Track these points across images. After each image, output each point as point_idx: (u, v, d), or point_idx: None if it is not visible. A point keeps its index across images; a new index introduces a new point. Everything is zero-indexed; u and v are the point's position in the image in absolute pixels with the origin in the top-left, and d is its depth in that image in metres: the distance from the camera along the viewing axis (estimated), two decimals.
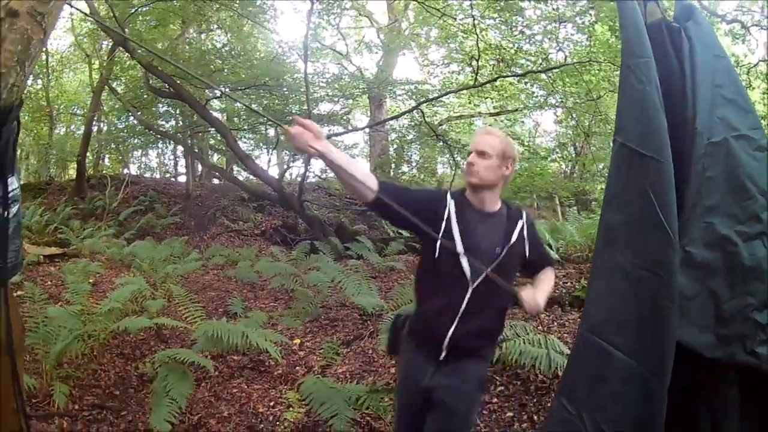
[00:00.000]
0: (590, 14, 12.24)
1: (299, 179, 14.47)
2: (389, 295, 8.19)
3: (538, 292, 3.11)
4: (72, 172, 22.29)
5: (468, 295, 2.99)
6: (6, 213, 1.91)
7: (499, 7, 12.28)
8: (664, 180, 1.92)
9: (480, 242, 3.04)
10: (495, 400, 5.58)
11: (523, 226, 3.15)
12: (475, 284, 2.97)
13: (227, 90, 15.47)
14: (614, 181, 2.14)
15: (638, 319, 1.94)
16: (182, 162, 26.01)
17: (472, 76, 13.65)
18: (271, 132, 19.52)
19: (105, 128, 22.27)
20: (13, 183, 1.95)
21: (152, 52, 14.21)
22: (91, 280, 8.65)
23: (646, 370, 1.88)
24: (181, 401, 5.09)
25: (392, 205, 2.80)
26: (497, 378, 5.88)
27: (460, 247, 2.98)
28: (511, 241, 3.09)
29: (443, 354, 3.05)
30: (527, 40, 13.43)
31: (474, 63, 12.60)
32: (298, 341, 7.17)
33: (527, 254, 3.19)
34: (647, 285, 1.92)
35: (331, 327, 7.73)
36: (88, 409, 5.43)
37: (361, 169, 2.86)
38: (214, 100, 17.94)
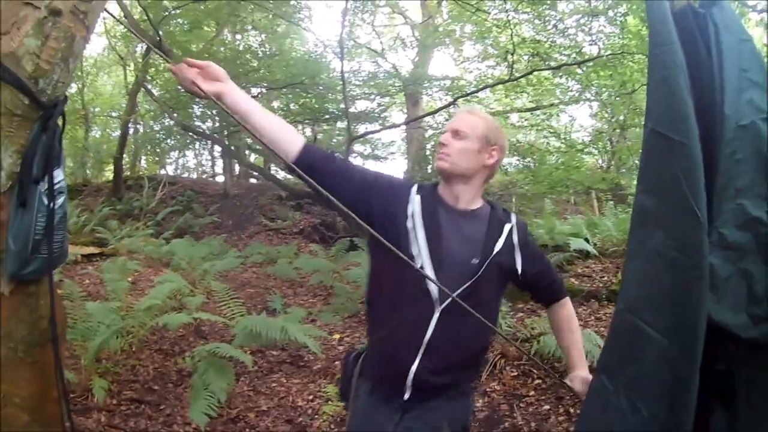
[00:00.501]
0: (621, 6, 12.09)
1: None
2: None
3: (580, 365, 2.64)
4: (108, 174, 22.64)
5: (434, 320, 2.35)
6: (52, 204, 1.94)
7: (532, 2, 12.19)
8: (692, 163, 1.90)
9: (452, 250, 2.41)
10: (532, 393, 5.61)
11: (511, 230, 2.52)
12: (443, 305, 2.34)
13: (264, 90, 15.56)
14: (645, 165, 2.10)
15: (670, 299, 1.89)
16: (219, 162, 26.41)
17: (507, 72, 13.58)
18: (308, 131, 19.54)
19: (141, 130, 22.54)
20: (59, 175, 1.98)
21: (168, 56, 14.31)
22: (129, 278, 8.71)
23: (677, 349, 1.85)
24: (221, 395, 5.12)
25: (308, 177, 2.23)
26: (534, 371, 5.92)
27: (425, 256, 2.37)
28: (495, 250, 2.44)
29: (407, 393, 2.39)
30: (560, 34, 13.29)
31: (509, 57, 12.51)
32: (337, 336, 7.19)
33: (519, 269, 2.54)
34: (679, 266, 1.89)
35: (364, 324, 7.68)
36: (126, 403, 5.47)
37: (278, 123, 2.35)
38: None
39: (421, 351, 2.34)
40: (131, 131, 20.95)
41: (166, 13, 14.14)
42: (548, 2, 12.26)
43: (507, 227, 2.50)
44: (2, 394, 1.97)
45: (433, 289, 2.33)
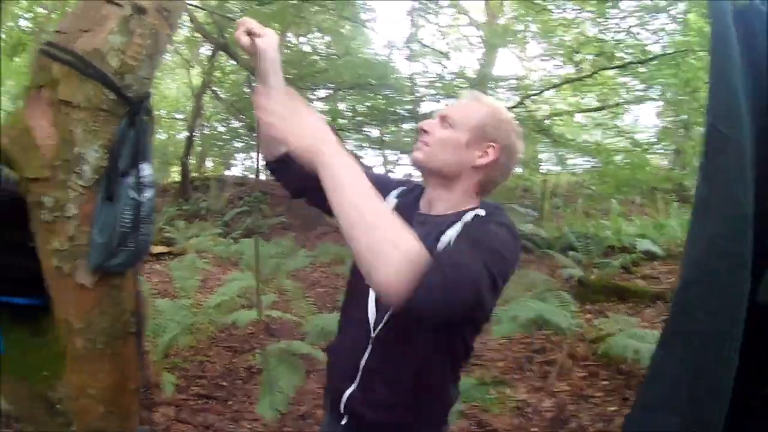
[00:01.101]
0: (682, 3, 11.88)
1: (404, 177, 14.38)
2: None
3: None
4: (175, 175, 23.00)
5: (369, 346, 1.95)
6: (139, 196, 1.97)
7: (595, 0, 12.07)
8: (742, 158, 1.92)
9: None
10: (598, 394, 5.52)
11: (457, 230, 1.84)
12: (376, 331, 1.92)
13: (331, 91, 15.68)
14: (704, 157, 2.07)
15: (718, 283, 1.90)
16: None
17: (573, 71, 13.47)
18: (376, 132, 19.61)
19: (207, 132, 22.87)
20: (147, 169, 2.00)
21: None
22: (198, 276, 8.83)
23: (721, 330, 1.88)
24: (290, 391, 5.11)
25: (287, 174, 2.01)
26: (601, 372, 5.85)
27: None
28: None
29: (344, 420, 2.01)
30: (624, 33, 13.12)
31: (575, 56, 12.40)
32: None
33: None
34: (725, 254, 1.91)
35: None
36: (194, 398, 5.54)
37: None
38: (317, 102, 18.07)
39: (357, 378, 1.97)
40: (197, 133, 21.28)
41: (231, 16, 14.36)
42: (611, 1, 12.14)
43: (454, 228, 1.84)
44: (79, 385, 2.04)
45: (372, 311, 1.95)
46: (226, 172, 24.21)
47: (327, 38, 18.06)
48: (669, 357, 2.00)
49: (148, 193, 2.02)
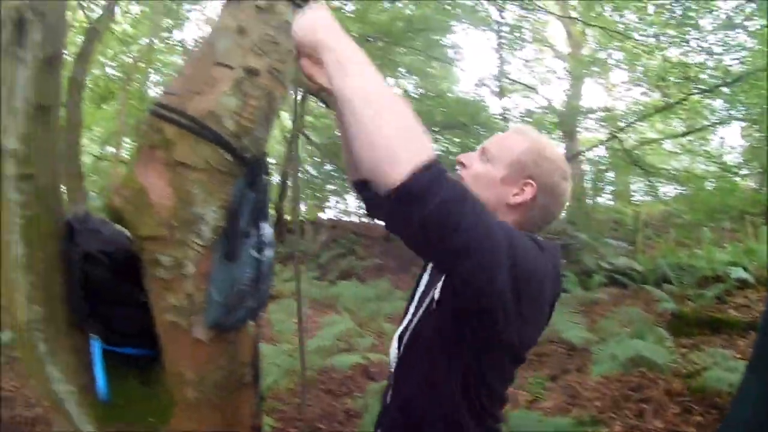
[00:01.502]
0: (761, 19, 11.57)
1: None
2: (594, 328, 7.95)
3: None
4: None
5: (392, 382, 2.02)
6: (259, 256, 2.01)
7: (675, 23, 11.87)
8: None
9: (413, 301, 2.06)
10: (691, 430, 5.47)
11: None
12: (394, 366, 2.00)
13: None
14: None
15: None
16: None
17: (659, 98, 13.23)
18: None
19: (301, 175, 23.19)
20: (266, 228, 2.06)
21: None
22: (295, 319, 8.92)
23: None
24: None
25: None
26: (694, 407, 5.75)
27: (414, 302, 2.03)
28: (434, 295, 1.87)
29: None
30: (704, 53, 12.85)
31: (661, 83, 12.19)
32: None
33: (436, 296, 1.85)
34: None
35: (539, 362, 7.61)
36: None
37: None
38: None
39: (384, 414, 2.05)
40: (290, 177, 21.63)
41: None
42: (692, 22, 11.91)
43: None
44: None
45: (394, 349, 2.01)
46: (321, 215, 24.50)
47: (416, 78, 18.20)
48: (756, 379, 1.98)
49: (268, 252, 2.06)
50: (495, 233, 1.45)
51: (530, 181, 1.84)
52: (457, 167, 1.94)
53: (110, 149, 25.36)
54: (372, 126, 1.40)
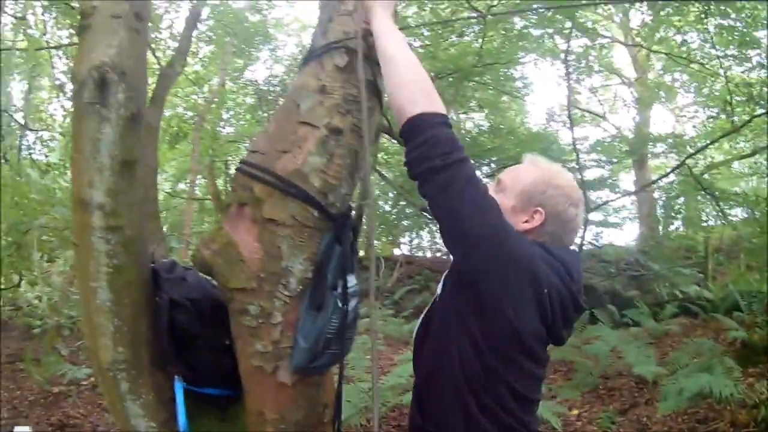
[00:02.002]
0: None
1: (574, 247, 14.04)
2: (665, 361, 7.79)
3: None
4: None
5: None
6: (345, 306, 2.07)
7: (737, 43, 11.64)
8: None
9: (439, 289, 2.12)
10: None
11: None
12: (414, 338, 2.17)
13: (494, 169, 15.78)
14: None
15: None
16: None
17: (726, 119, 12.98)
18: None
19: (375, 212, 23.29)
20: (352, 280, 2.13)
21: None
22: (368, 356, 8.94)
23: None
24: None
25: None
26: None
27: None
28: (437, 290, 2.11)
29: None
30: (765, 69, 12.56)
31: (727, 107, 11.96)
32: (575, 412, 7.02)
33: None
34: None
35: (608, 396, 7.50)
36: None
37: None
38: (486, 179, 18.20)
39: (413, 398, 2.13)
40: (365, 213, 21.75)
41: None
42: (752, 39, 11.66)
43: None
44: None
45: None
46: (395, 251, 24.50)
47: (486, 110, 18.23)
48: None
49: (353, 302, 2.14)
50: (480, 194, 1.79)
51: (539, 209, 1.97)
52: None
53: (182, 186, 25.99)
54: (401, 77, 1.89)
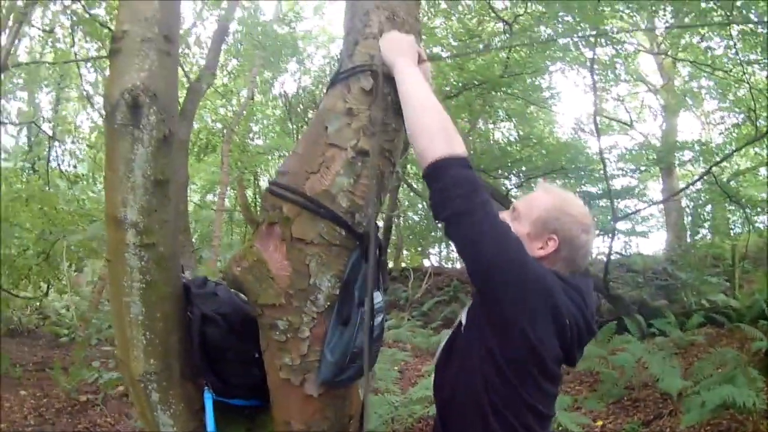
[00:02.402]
0: None
1: (603, 259, 13.93)
2: (690, 371, 7.73)
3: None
4: None
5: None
6: (372, 322, 2.13)
7: (760, 48, 11.57)
8: None
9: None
10: None
11: None
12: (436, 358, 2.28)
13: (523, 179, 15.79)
14: None
15: None
16: None
17: (751, 125, 12.86)
18: None
19: (403, 223, 23.28)
20: (378, 296, 2.18)
21: None
22: (397, 368, 8.98)
23: None
24: None
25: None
26: None
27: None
28: (461, 319, 2.19)
29: None
30: None
31: (751, 113, 11.85)
32: (600, 423, 7.00)
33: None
34: None
35: (633, 407, 7.48)
36: None
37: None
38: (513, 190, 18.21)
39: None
40: (393, 225, 21.82)
41: None
42: None
43: None
44: None
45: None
46: (425, 262, 24.49)
47: (514, 120, 18.23)
48: None
49: (378, 318, 2.21)
50: (499, 226, 1.90)
51: (553, 236, 2.07)
52: None
53: (211, 197, 26.20)
54: (421, 123, 1.98)
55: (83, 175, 13.45)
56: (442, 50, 14.50)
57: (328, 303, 2.10)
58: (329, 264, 2.10)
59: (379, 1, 2.35)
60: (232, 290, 2.36)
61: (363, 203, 2.14)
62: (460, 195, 1.88)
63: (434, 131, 1.96)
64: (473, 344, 2.02)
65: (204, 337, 2.28)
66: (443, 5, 14.93)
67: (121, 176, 2.04)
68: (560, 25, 12.48)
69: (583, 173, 15.93)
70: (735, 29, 11.53)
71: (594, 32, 11.45)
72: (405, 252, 27.44)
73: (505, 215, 2.14)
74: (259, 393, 2.30)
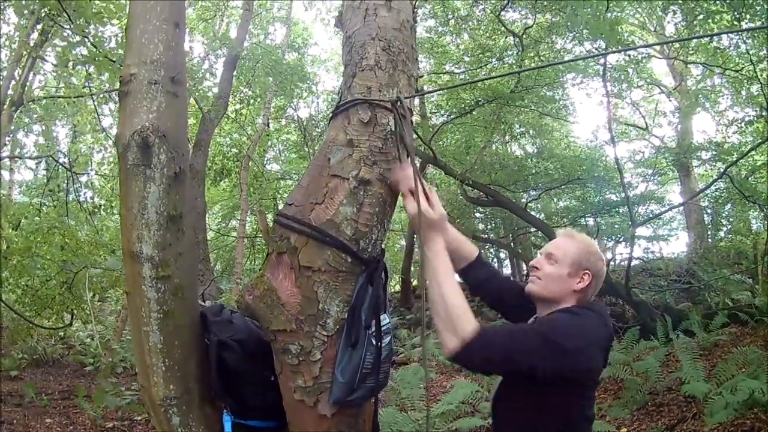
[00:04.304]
0: None
1: (624, 264, 13.89)
2: (713, 373, 7.69)
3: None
4: (395, 285, 23.72)
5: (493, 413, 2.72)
6: (380, 343, 2.25)
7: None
8: None
9: None
10: None
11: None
12: (494, 396, 2.69)
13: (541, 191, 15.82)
14: None
15: None
16: (506, 263, 27.27)
17: (764, 123, 12.82)
18: (590, 222, 19.34)
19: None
20: (385, 319, 2.32)
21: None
22: (421, 385, 8.98)
23: None
24: None
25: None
26: None
27: None
28: None
29: None
30: None
31: (765, 112, 11.81)
32: (624, 430, 6.99)
33: None
34: None
35: (657, 413, 7.46)
36: None
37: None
38: (531, 202, 18.19)
39: None
40: (416, 243, 21.85)
41: (435, 130, 14.92)
42: None
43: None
44: None
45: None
46: None
47: (530, 133, 18.26)
48: None
49: (386, 339, 2.32)
50: (521, 343, 2.28)
51: (587, 271, 2.56)
52: (532, 271, 2.66)
53: (233, 223, 26.29)
54: (435, 308, 2.27)
55: (101, 206, 13.56)
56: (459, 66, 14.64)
57: (337, 327, 2.19)
58: (337, 289, 2.19)
59: (374, 33, 2.44)
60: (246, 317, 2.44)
61: (367, 230, 2.23)
62: (487, 359, 2.26)
63: (454, 312, 2.25)
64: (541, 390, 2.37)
65: (221, 362, 2.37)
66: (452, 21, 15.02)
67: (135, 213, 2.14)
68: (570, 35, 12.54)
69: (600, 183, 15.96)
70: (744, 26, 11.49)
71: (606, 44, 11.46)
72: None
73: (541, 262, 2.62)
74: (276, 414, 2.38)
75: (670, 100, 20.72)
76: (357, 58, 2.42)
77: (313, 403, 2.22)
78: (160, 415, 2.30)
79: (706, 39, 13.61)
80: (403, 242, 22.67)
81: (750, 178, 15.11)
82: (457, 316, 2.24)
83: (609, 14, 11.39)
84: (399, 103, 2.33)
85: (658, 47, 18.29)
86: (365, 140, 2.28)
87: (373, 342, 2.26)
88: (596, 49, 12.36)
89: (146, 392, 2.33)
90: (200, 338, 2.41)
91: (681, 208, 19.17)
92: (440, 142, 16.11)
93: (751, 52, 11.94)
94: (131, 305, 2.27)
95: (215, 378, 2.37)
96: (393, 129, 2.32)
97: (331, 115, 2.46)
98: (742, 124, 15.14)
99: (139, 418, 8.78)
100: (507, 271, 26.85)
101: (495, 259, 28.86)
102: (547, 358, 2.23)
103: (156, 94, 2.19)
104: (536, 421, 2.41)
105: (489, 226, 22.32)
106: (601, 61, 12.64)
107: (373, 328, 2.26)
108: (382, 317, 2.30)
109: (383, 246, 2.44)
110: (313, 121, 19.60)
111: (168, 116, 2.20)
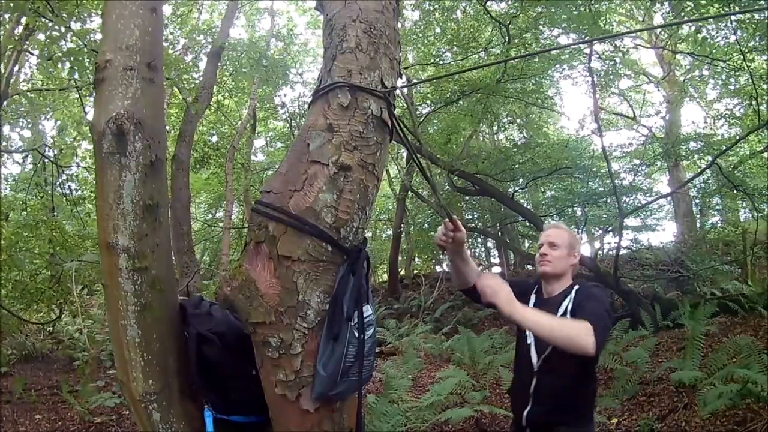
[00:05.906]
0: None
1: (612, 254, 13.91)
2: (704, 362, 7.67)
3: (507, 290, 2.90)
4: (383, 275, 23.68)
5: (535, 378, 3.19)
6: (362, 335, 2.20)
7: (758, 35, 11.53)
8: None
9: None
10: None
11: (569, 301, 3.17)
12: (538, 366, 3.17)
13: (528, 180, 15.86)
14: None
15: None
16: (494, 252, 27.20)
17: (753, 113, 12.80)
18: (578, 211, 19.34)
19: (412, 230, 23.33)
20: (368, 310, 2.27)
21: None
22: (410, 375, 8.95)
23: None
24: None
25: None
26: None
27: (530, 337, 3.25)
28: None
29: (527, 431, 3.24)
30: None
31: (753, 103, 11.79)
32: (614, 421, 6.96)
33: None
34: None
35: (648, 403, 7.42)
36: None
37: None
38: (519, 192, 18.24)
39: (530, 401, 3.20)
40: (403, 232, 21.83)
41: (422, 119, 14.89)
42: None
43: (565, 302, 3.17)
44: None
45: (534, 356, 3.19)
46: (437, 269, 24.52)
47: (517, 122, 18.26)
48: None
49: (369, 331, 2.25)
50: (606, 318, 2.89)
51: (576, 252, 3.39)
52: (542, 258, 3.32)
53: (218, 214, 26.22)
54: (558, 337, 2.67)
55: (86, 198, 13.45)
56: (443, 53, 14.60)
57: (318, 318, 2.12)
58: (317, 280, 2.12)
59: (356, 15, 2.38)
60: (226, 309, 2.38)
61: (347, 218, 2.16)
62: (606, 336, 2.91)
63: (564, 330, 2.70)
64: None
65: (201, 356, 2.31)
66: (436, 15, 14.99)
67: (111, 203, 2.08)
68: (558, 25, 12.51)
69: (586, 172, 15.97)
70: (733, 18, 11.49)
71: (590, 36, 11.43)
72: (417, 260, 27.47)
73: (547, 249, 3.32)
74: (258, 409, 2.32)
75: (658, 90, 20.73)
76: (337, 40, 2.36)
77: (295, 397, 2.15)
78: (141, 411, 2.25)
79: (694, 28, 13.57)
80: (390, 231, 22.56)
81: (737, 170, 15.14)
82: (569, 327, 2.74)
83: (592, 8, 11.36)
84: (390, 95, 2.30)
85: (645, 36, 18.22)
86: (345, 125, 2.21)
87: (356, 334, 2.18)
88: (581, 36, 12.31)
89: (126, 388, 2.28)
90: (179, 331, 2.35)
91: (669, 198, 19.20)
92: (426, 134, 16.04)
93: (740, 43, 11.89)
94: (108, 298, 2.21)
95: (195, 372, 2.31)
96: (374, 113, 2.24)
97: (311, 99, 2.39)
98: (731, 119, 15.17)
99: (128, 413, 8.71)
100: (495, 260, 26.95)
101: (483, 249, 28.81)
102: (609, 326, 3.07)
103: (132, 80, 2.14)
104: (581, 385, 3.13)
105: (476, 215, 22.23)
106: (587, 51, 12.63)
107: (356, 320, 2.19)
108: (364, 308, 2.22)
109: (366, 234, 2.37)
110: (299, 112, 19.52)
111: (144, 103, 2.15)
